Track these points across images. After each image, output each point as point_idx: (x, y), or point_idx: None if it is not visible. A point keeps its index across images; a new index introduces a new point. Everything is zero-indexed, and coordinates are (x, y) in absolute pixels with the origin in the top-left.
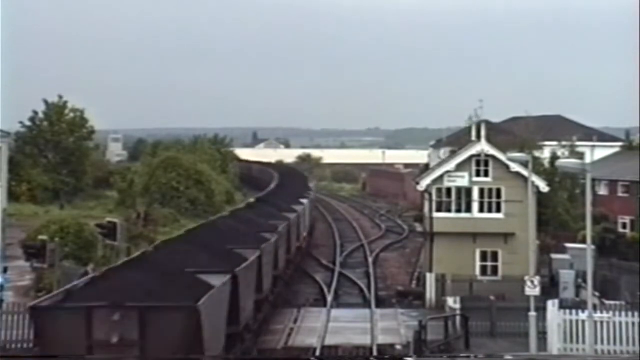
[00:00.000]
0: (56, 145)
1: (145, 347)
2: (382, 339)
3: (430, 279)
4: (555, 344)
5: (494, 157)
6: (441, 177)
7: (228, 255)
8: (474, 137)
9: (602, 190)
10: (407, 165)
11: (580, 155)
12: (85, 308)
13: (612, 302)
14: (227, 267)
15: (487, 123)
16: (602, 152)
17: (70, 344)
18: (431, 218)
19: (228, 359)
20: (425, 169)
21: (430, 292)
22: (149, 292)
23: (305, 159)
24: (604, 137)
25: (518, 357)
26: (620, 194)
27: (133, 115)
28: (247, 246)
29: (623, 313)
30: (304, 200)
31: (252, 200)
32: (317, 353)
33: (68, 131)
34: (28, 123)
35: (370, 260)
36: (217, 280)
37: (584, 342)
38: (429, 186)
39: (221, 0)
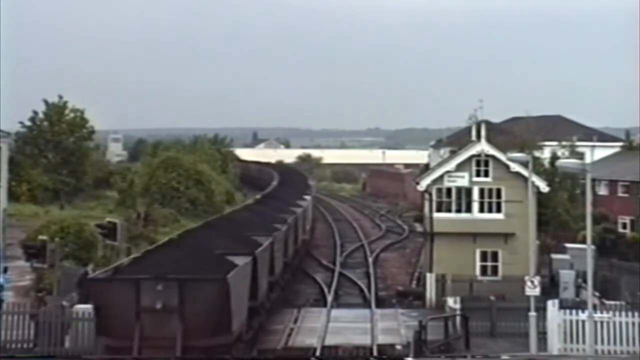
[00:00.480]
0: (56, 145)
1: (184, 312)
2: (382, 339)
3: (430, 279)
4: (555, 344)
5: (494, 157)
6: (441, 177)
7: (246, 240)
8: (474, 137)
9: (602, 190)
10: (407, 165)
11: (580, 155)
12: (134, 279)
13: (612, 302)
14: (247, 250)
15: (487, 123)
16: (602, 152)
17: (121, 309)
18: (431, 218)
19: (229, 359)
20: (425, 169)
21: (430, 292)
22: (185, 268)
23: (305, 159)
24: (604, 137)
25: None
26: (620, 194)
27: (133, 115)
28: (261, 234)
29: (623, 313)
30: (307, 197)
31: (258, 196)
32: (317, 353)
33: (68, 131)
34: (28, 123)
35: (370, 260)
36: (240, 261)
37: (584, 342)
38: (429, 186)
39: (221, 0)
